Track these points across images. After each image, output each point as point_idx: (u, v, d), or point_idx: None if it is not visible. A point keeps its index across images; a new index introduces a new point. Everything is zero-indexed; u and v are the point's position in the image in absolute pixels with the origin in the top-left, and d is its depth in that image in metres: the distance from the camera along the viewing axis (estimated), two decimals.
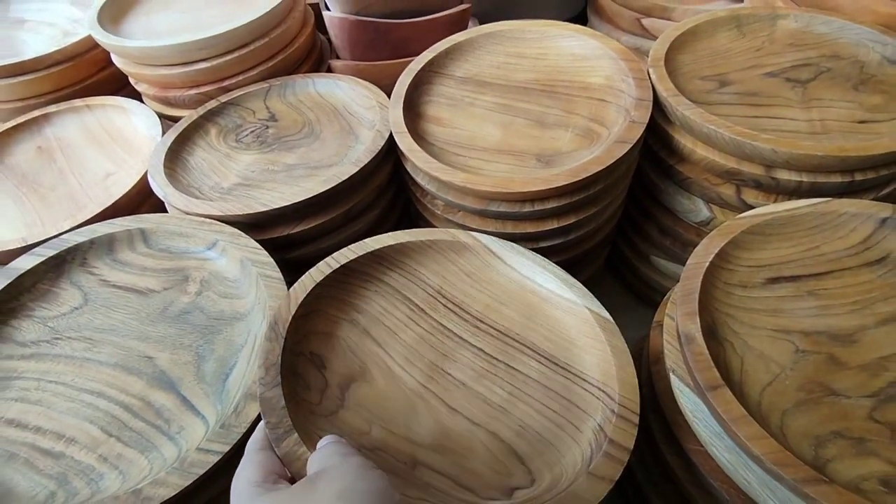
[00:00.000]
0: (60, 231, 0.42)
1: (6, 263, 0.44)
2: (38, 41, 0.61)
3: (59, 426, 0.30)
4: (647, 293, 0.52)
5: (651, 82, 0.41)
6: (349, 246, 0.35)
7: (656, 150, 0.43)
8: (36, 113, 0.55)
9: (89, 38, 0.55)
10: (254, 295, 0.35)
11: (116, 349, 0.33)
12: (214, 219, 0.39)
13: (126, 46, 0.50)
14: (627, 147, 0.37)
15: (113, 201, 0.44)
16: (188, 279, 0.36)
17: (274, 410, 0.27)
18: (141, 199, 0.47)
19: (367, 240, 0.36)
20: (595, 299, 0.34)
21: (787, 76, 0.42)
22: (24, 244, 0.42)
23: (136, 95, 0.58)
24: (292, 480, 0.23)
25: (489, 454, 0.28)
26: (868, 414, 0.27)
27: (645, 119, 0.39)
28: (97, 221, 0.43)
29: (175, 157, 0.46)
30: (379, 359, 0.32)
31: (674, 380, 0.30)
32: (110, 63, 0.58)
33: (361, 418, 0.29)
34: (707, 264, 0.32)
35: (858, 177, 0.36)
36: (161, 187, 0.42)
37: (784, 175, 0.36)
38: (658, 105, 0.41)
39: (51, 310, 0.35)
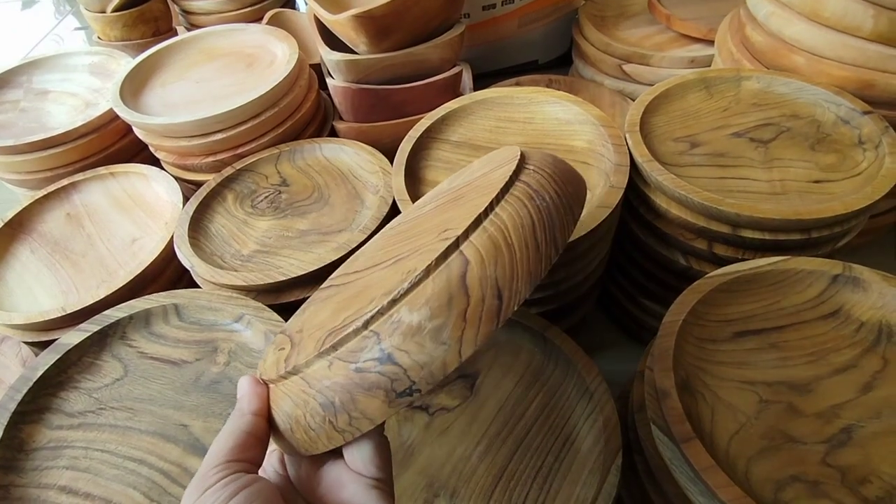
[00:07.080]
0: (96, 299, 0.46)
1: (47, 331, 0.48)
2: (62, 112, 0.65)
3: (107, 492, 0.34)
4: (635, 329, 0.56)
5: (628, 147, 0.45)
6: None
7: (636, 206, 0.47)
8: (64, 182, 0.59)
9: (111, 109, 0.59)
10: None
11: (155, 418, 0.37)
12: (238, 288, 0.43)
13: (148, 123, 0.55)
14: (608, 212, 0.41)
15: (142, 269, 0.48)
16: (217, 350, 0.40)
17: None
18: (165, 264, 0.51)
19: None
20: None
21: (751, 136, 0.47)
22: (63, 313, 0.46)
23: (155, 159, 0.62)
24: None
25: None
26: (822, 459, 0.30)
27: (623, 184, 0.43)
28: (128, 288, 0.48)
29: (197, 225, 0.50)
30: None
31: (654, 429, 0.34)
32: (131, 131, 0.62)
33: None
34: (680, 322, 0.36)
35: (815, 234, 0.40)
36: (187, 258, 0.46)
37: (748, 234, 0.40)
38: (635, 168, 0.45)
39: (95, 381, 0.39)
